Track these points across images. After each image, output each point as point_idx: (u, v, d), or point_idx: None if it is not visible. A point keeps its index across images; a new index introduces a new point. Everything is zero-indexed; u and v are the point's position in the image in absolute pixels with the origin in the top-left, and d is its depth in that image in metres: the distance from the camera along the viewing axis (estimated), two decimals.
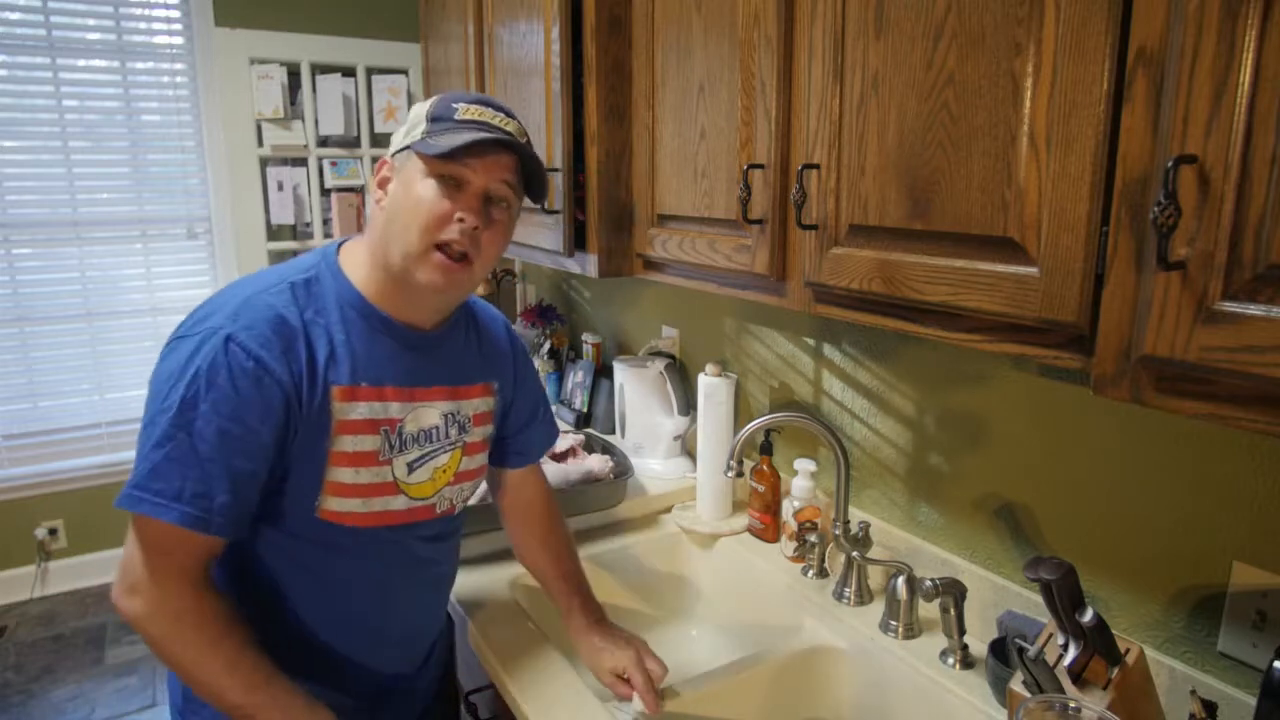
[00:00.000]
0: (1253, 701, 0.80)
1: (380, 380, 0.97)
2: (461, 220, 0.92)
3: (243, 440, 0.87)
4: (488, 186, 0.94)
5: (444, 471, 1.05)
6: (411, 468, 1.00)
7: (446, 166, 0.92)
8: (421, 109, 0.97)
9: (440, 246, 0.92)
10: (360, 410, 0.95)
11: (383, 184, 0.98)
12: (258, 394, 0.87)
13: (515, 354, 1.19)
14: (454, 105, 0.95)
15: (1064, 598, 0.84)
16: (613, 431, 1.94)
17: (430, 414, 1.02)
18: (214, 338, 0.88)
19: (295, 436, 0.91)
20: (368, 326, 0.97)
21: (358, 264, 0.99)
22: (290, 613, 0.99)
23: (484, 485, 1.48)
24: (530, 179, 1.00)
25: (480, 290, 2.60)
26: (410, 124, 0.97)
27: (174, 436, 0.85)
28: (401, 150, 0.96)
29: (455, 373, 1.07)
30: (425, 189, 0.92)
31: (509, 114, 0.98)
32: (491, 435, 1.15)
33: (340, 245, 1.02)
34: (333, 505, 0.95)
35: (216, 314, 0.90)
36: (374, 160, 3.35)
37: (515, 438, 1.21)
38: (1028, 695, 0.84)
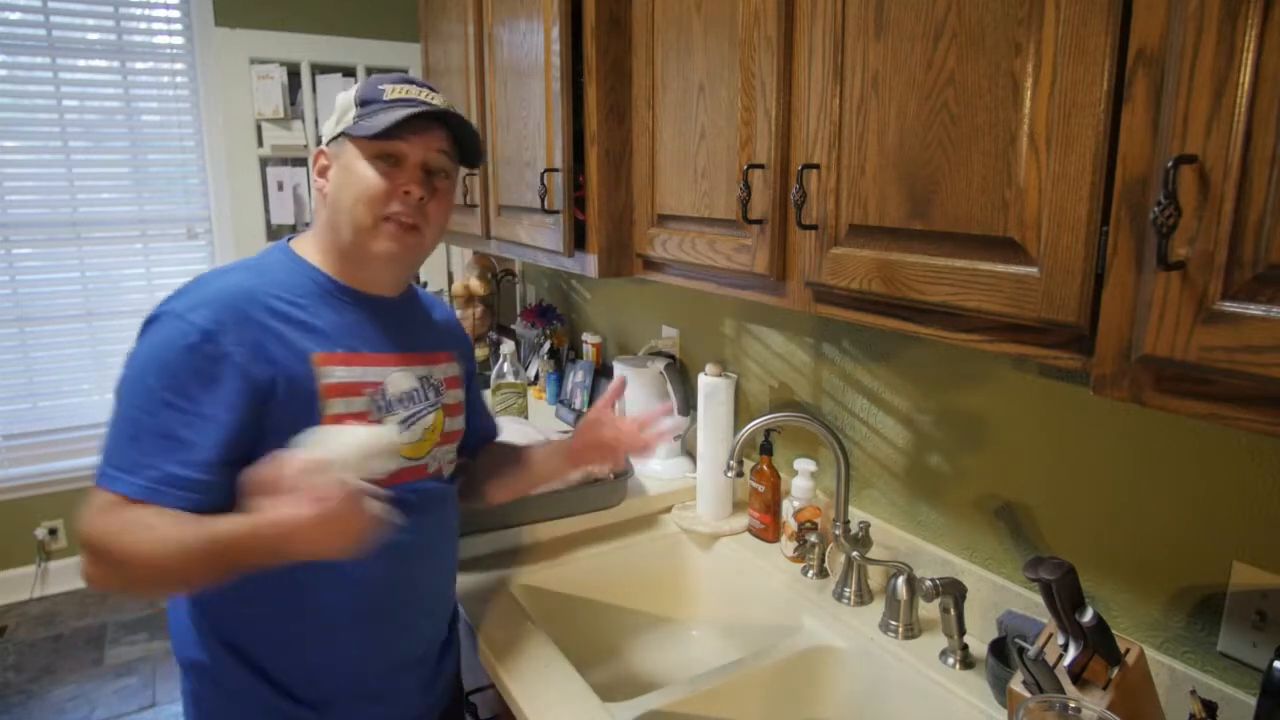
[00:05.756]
0: (1253, 701, 0.80)
1: (354, 347, 1.00)
2: (407, 194, 0.98)
3: (186, 414, 0.88)
4: (425, 158, 0.99)
5: (433, 431, 1.09)
6: (405, 426, 1.03)
7: (382, 145, 0.97)
8: (348, 95, 1.01)
9: (389, 218, 0.98)
10: (340, 374, 0.97)
11: (323, 173, 1.02)
12: (201, 369, 0.89)
13: (462, 333, 1.24)
14: (380, 87, 0.99)
15: (1064, 598, 0.84)
16: None
17: (406, 378, 1.05)
18: (163, 318, 0.92)
19: (273, 407, 0.92)
20: (332, 299, 1.01)
21: (311, 250, 1.04)
22: (310, 611, 0.99)
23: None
24: (464, 148, 1.04)
25: (480, 290, 2.60)
26: (340, 111, 1.01)
27: (125, 414, 0.89)
28: (335, 139, 1.00)
29: (420, 340, 1.10)
30: (366, 169, 0.97)
31: (433, 89, 1.02)
32: (463, 400, 1.17)
33: (289, 240, 1.07)
34: None
35: (175, 300, 0.94)
36: None
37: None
38: (1028, 695, 0.84)
